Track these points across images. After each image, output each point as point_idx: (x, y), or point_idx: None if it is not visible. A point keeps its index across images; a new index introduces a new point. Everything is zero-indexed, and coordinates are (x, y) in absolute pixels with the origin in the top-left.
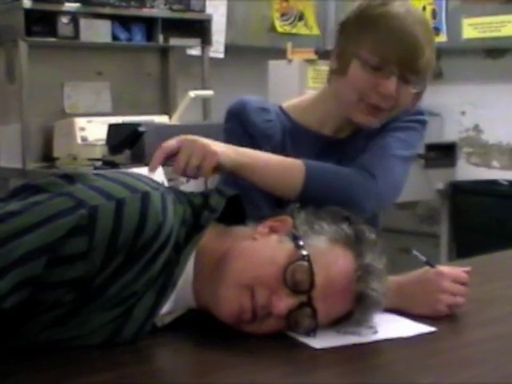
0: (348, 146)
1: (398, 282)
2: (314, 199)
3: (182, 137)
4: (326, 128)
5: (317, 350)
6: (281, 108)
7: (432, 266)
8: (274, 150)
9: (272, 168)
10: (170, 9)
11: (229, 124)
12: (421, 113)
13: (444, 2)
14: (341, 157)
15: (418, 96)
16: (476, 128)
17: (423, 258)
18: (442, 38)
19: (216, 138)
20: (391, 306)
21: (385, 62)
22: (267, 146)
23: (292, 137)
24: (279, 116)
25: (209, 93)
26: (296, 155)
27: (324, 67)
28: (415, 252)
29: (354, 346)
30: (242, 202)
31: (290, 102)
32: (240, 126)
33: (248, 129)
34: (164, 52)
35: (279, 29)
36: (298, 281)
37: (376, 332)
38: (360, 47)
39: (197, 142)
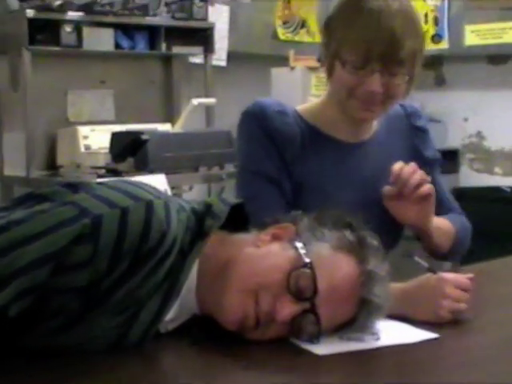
0: (364, 151)
1: (401, 288)
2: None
3: None
4: (338, 132)
5: (320, 356)
6: (296, 111)
7: (434, 272)
8: (295, 154)
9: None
10: (173, 17)
11: (246, 126)
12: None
13: (446, 9)
14: (358, 161)
15: (410, 84)
16: (479, 134)
17: (425, 264)
18: (445, 45)
19: (219, 145)
20: (394, 312)
21: (365, 60)
22: (288, 149)
23: (310, 141)
24: (296, 119)
25: (211, 100)
26: (316, 160)
27: None
28: (417, 258)
29: (357, 352)
30: (245, 209)
31: (303, 106)
32: (259, 129)
33: (267, 130)
34: (167, 60)
35: (281, 36)
36: (302, 287)
37: (379, 338)
38: (340, 48)
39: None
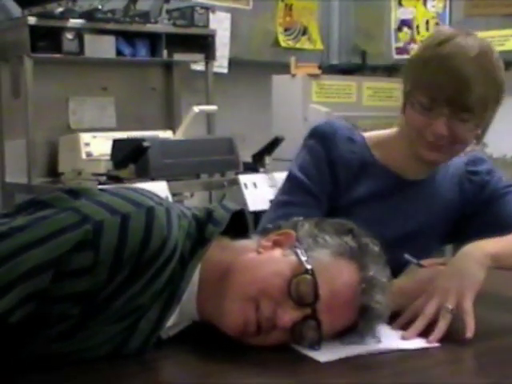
0: (416, 190)
1: (400, 283)
2: None
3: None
4: (399, 166)
5: (321, 362)
6: (364, 138)
7: (423, 266)
8: (349, 180)
9: None
10: (174, 24)
11: (312, 142)
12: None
13: (447, 16)
14: (407, 198)
15: (482, 130)
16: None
17: (414, 261)
18: None
19: (220, 152)
20: (395, 308)
21: (433, 103)
22: (344, 174)
23: (367, 171)
24: (362, 148)
25: (213, 108)
26: (365, 189)
27: (328, 82)
28: (407, 256)
29: (358, 357)
30: (246, 215)
31: (372, 134)
32: (324, 150)
33: (331, 155)
34: (168, 67)
35: (283, 43)
36: (303, 294)
37: (380, 341)
38: (412, 89)
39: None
